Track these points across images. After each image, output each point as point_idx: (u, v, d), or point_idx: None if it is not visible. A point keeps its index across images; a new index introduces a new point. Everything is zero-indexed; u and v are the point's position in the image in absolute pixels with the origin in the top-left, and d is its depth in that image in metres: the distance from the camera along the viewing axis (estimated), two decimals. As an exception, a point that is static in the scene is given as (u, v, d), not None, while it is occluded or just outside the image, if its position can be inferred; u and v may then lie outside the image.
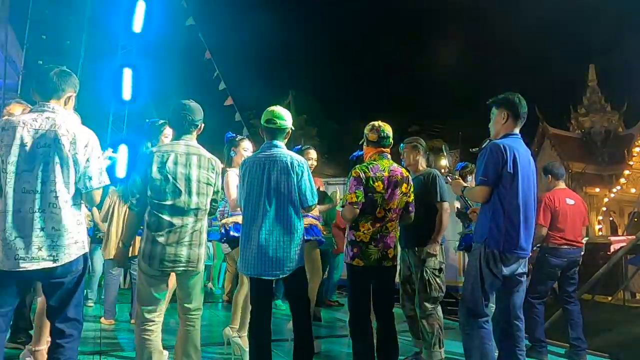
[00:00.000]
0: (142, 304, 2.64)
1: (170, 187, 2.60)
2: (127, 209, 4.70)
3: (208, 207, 2.74)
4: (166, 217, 2.58)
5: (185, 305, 2.73)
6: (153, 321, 2.63)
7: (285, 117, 3.01)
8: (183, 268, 2.63)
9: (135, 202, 2.64)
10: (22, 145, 2.23)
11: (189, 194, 2.63)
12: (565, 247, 4.29)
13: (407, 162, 3.95)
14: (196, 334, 2.74)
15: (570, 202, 4.39)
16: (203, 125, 2.82)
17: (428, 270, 3.62)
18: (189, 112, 2.71)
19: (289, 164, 2.88)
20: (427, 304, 3.59)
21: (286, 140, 3.07)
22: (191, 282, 2.72)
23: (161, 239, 2.56)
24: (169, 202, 2.59)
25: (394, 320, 3.17)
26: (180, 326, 2.74)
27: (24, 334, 3.71)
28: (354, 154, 4.21)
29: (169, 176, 2.60)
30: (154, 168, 2.60)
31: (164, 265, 2.58)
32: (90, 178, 2.33)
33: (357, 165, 3.17)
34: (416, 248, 3.67)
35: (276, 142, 2.99)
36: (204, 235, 2.74)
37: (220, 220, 3.67)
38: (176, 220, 2.59)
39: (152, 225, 2.60)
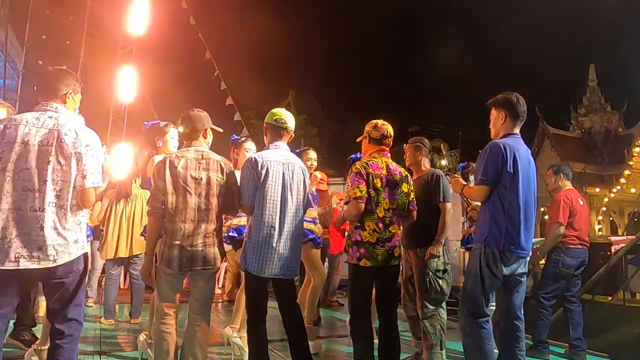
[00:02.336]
0: (162, 300, 2.76)
1: (181, 191, 2.72)
2: (123, 212, 4.74)
3: (219, 208, 2.82)
4: (179, 222, 2.70)
5: (196, 302, 2.82)
6: (172, 315, 2.76)
7: (292, 120, 3.14)
8: (200, 267, 2.74)
9: (159, 205, 2.74)
10: (24, 143, 2.23)
11: (199, 196, 2.75)
12: (579, 247, 4.31)
13: (410, 161, 3.94)
14: (204, 333, 2.79)
15: (581, 202, 4.42)
16: (209, 129, 2.95)
17: (430, 272, 3.57)
18: (191, 122, 2.88)
19: (304, 171, 3.06)
20: (428, 305, 3.56)
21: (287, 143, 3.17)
22: (205, 279, 2.82)
23: (177, 243, 2.69)
24: (180, 206, 2.71)
25: (397, 320, 3.17)
26: (189, 324, 2.80)
27: (28, 332, 3.70)
28: (352, 155, 4.20)
29: (180, 180, 2.72)
30: (166, 172, 2.73)
31: (181, 267, 2.71)
32: (84, 176, 2.33)
33: (357, 162, 3.20)
34: (418, 249, 3.65)
35: (283, 143, 3.08)
36: (219, 236, 2.84)
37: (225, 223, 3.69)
38: (188, 225, 2.70)
39: (168, 230, 2.73)
